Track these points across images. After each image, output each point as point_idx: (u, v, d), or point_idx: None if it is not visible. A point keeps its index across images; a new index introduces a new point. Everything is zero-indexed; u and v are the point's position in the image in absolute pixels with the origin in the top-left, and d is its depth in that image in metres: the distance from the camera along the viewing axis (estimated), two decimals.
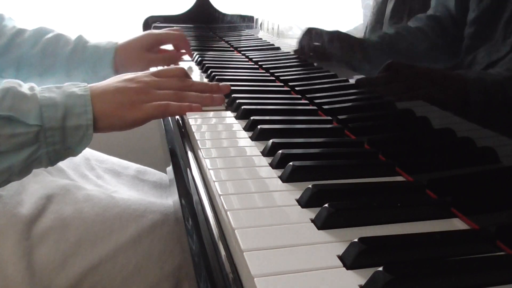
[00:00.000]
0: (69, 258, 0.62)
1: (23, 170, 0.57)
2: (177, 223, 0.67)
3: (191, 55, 1.08)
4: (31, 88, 0.58)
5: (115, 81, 0.64)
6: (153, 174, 0.92)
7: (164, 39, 0.99)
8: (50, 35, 0.93)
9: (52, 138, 0.57)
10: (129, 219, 0.66)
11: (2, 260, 0.59)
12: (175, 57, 1.01)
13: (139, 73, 0.67)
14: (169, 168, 0.61)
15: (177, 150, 0.61)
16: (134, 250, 0.65)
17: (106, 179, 0.85)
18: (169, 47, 1.03)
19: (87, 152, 0.89)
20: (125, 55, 0.93)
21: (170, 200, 0.75)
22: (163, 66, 0.95)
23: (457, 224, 0.41)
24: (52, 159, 0.59)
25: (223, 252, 0.37)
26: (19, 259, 0.59)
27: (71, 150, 0.60)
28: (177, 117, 0.69)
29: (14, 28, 0.93)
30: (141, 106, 0.62)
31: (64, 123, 0.57)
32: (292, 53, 0.93)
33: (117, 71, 0.93)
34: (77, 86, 0.60)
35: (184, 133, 0.63)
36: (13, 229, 0.61)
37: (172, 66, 0.94)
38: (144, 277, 0.64)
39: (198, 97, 0.67)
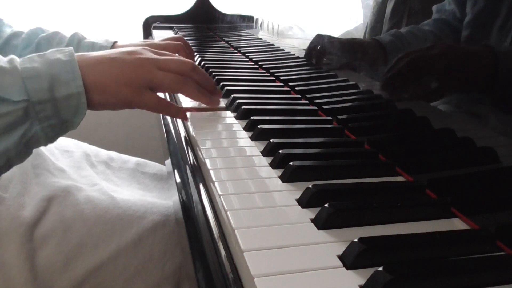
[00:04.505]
0: (71, 260, 0.62)
1: (21, 152, 0.53)
2: (177, 224, 0.67)
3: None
4: (10, 61, 0.52)
5: (109, 52, 0.58)
6: (153, 166, 0.92)
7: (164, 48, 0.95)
8: (44, 34, 0.89)
9: (44, 112, 0.52)
10: (130, 221, 0.66)
11: (6, 262, 0.59)
12: None
13: (138, 47, 0.60)
14: (168, 162, 0.61)
15: (177, 150, 0.61)
16: (135, 251, 0.64)
17: (107, 174, 0.85)
18: None
19: (87, 148, 0.90)
20: None
21: (171, 197, 0.76)
22: None
23: (457, 224, 0.41)
24: (50, 135, 0.54)
25: (223, 252, 0.37)
26: (22, 261, 0.59)
27: (69, 123, 0.55)
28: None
29: (11, 31, 0.90)
30: (143, 93, 0.57)
31: (53, 94, 0.52)
32: (292, 53, 0.93)
33: None
34: (61, 52, 0.54)
35: (184, 133, 0.63)
36: (16, 232, 0.61)
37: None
38: (145, 278, 0.64)
39: (196, 90, 0.62)
